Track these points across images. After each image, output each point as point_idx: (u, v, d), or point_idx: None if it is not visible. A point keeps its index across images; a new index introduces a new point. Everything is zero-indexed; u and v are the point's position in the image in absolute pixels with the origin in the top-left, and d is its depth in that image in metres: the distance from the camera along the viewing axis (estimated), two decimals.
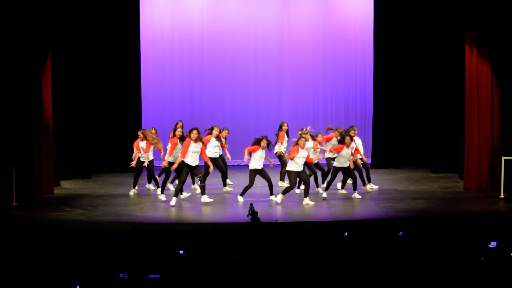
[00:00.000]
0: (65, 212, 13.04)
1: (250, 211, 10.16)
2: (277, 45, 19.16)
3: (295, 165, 13.50)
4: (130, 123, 18.02)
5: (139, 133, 14.80)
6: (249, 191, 13.96)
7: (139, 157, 14.69)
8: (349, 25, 19.14)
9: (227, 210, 13.26)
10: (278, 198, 13.59)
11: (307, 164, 14.06)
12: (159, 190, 14.24)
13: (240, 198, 13.94)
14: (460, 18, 15.59)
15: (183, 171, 13.39)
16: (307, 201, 13.54)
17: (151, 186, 15.37)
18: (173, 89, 18.99)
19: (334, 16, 19.21)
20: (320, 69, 19.26)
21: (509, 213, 12.85)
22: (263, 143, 13.69)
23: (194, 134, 13.32)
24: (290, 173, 13.55)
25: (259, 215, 10.14)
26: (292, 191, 13.90)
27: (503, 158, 14.39)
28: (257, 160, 13.74)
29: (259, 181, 14.23)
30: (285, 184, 14.95)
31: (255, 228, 9.75)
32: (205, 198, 13.48)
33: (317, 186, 15.02)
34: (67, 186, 15.96)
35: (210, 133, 14.76)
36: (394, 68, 18.67)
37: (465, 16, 15.13)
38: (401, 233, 10.00)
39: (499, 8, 14.68)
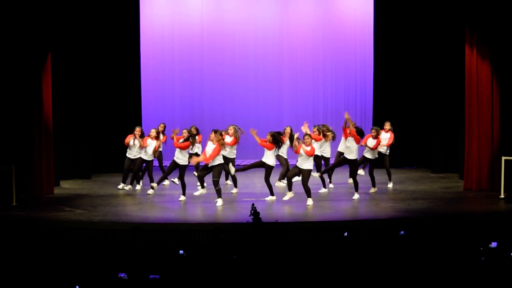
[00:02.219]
0: (65, 212, 13.04)
1: (252, 211, 10.15)
2: (277, 45, 19.12)
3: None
4: (130, 123, 17.96)
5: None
6: (249, 191, 13.97)
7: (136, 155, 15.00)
8: (349, 25, 19.10)
9: (227, 210, 13.26)
10: (287, 197, 13.72)
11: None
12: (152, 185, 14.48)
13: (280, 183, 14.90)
14: (460, 18, 15.58)
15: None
16: (309, 201, 13.55)
17: (138, 186, 15.37)
18: (173, 89, 18.96)
19: (334, 16, 19.18)
20: (320, 69, 19.23)
21: (509, 213, 12.85)
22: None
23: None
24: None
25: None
26: (290, 192, 13.92)
27: (503, 158, 14.39)
28: (271, 157, 13.85)
29: (259, 180, 14.23)
30: (282, 184, 14.99)
31: (255, 228, 9.75)
32: (220, 202, 13.47)
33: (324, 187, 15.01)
34: (67, 186, 15.95)
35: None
36: (394, 68, 18.66)
37: (465, 16, 15.13)
38: (402, 232, 10.00)
39: (499, 8, 14.68)
